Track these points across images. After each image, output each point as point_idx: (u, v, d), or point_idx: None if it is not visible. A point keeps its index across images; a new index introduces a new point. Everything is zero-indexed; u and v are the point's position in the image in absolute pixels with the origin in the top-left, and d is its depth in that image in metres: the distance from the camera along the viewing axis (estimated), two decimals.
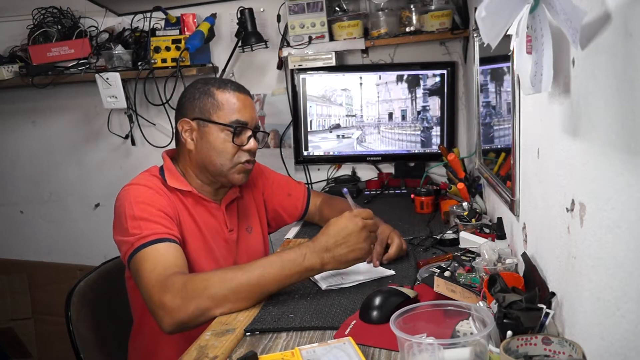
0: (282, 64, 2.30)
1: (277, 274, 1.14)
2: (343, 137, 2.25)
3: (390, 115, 2.22)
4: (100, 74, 2.26)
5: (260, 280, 1.13)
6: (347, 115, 2.24)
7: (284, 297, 1.18)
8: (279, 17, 2.24)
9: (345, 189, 1.39)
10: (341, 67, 2.23)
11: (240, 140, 1.40)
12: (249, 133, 1.42)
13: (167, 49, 2.20)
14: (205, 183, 1.45)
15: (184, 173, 1.44)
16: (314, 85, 2.24)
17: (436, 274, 1.13)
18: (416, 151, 2.21)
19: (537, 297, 0.79)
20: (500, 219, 1.29)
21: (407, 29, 2.10)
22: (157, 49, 2.21)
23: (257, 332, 1.04)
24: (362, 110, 2.23)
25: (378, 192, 2.12)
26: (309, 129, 2.26)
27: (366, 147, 2.25)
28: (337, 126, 2.24)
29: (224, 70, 2.34)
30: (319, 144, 2.26)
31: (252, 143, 1.41)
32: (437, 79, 2.16)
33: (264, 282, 1.13)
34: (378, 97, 2.21)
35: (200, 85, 1.43)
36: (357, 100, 2.23)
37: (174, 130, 1.47)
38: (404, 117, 2.21)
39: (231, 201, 1.51)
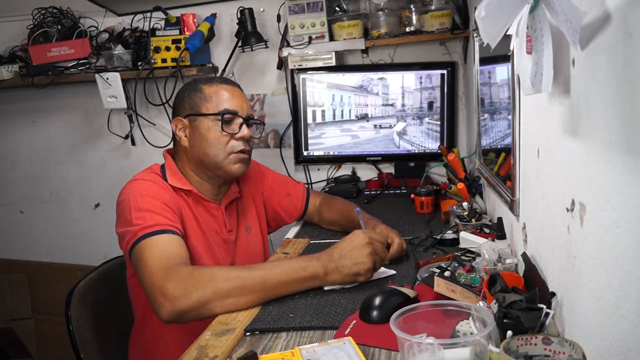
0: (282, 64, 2.30)
1: (280, 276, 1.15)
2: (380, 127, 2.18)
3: (431, 104, 2.11)
4: (100, 74, 2.26)
5: (264, 279, 1.14)
6: (383, 105, 2.18)
7: (284, 297, 1.17)
8: (279, 17, 2.24)
9: (357, 209, 1.42)
10: (341, 67, 2.23)
11: (231, 129, 1.41)
12: (240, 121, 1.42)
13: (167, 49, 2.20)
14: (205, 180, 1.45)
15: (183, 172, 1.44)
16: (350, 77, 2.19)
17: (436, 274, 1.12)
18: (416, 151, 2.21)
19: (537, 297, 0.79)
20: (500, 219, 1.29)
21: (407, 29, 2.10)
22: (157, 49, 2.21)
23: (257, 332, 1.04)
24: (404, 99, 2.12)
25: (378, 192, 2.12)
26: (344, 118, 2.20)
27: (408, 140, 2.17)
28: (365, 115, 2.18)
29: (224, 70, 2.34)
30: (357, 133, 2.20)
31: (244, 130, 1.42)
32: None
33: (268, 281, 1.14)
34: (421, 83, 2.12)
35: (191, 85, 1.46)
36: (394, 89, 2.15)
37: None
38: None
39: (231, 201, 1.51)
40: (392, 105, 2.18)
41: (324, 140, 2.24)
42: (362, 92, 2.18)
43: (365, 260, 1.19)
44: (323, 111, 2.22)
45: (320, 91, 2.21)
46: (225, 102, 1.41)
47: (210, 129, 1.40)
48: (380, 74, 2.17)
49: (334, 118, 2.22)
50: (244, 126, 1.42)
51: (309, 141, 2.25)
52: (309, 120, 2.23)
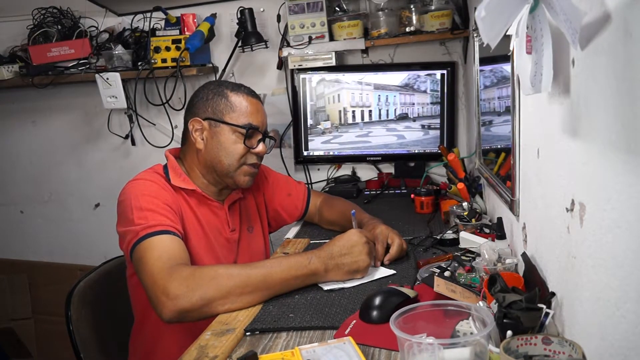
0: (282, 64, 2.30)
1: (282, 274, 1.17)
2: (429, 127, 2.12)
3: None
4: (101, 74, 2.26)
5: (266, 277, 1.15)
6: (431, 103, 2.12)
7: (284, 297, 1.18)
8: (279, 17, 2.24)
9: (353, 211, 1.44)
10: (341, 67, 2.23)
11: (251, 143, 1.42)
12: (259, 137, 1.44)
13: (167, 49, 2.20)
14: (211, 183, 1.46)
15: (188, 172, 1.45)
16: (394, 76, 2.16)
17: (436, 274, 1.12)
18: (416, 151, 2.20)
19: (537, 297, 0.79)
20: (500, 219, 1.29)
21: (407, 29, 2.10)
22: (157, 49, 2.21)
23: (257, 332, 1.05)
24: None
25: (378, 192, 2.12)
26: (388, 118, 2.15)
27: None
28: (405, 115, 2.12)
29: (224, 70, 2.34)
30: (403, 133, 2.17)
31: (261, 146, 1.44)
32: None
33: (269, 279, 1.15)
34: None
35: (214, 87, 1.45)
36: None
37: (183, 129, 1.48)
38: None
39: (234, 201, 1.52)
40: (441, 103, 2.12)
41: (371, 139, 2.22)
42: (408, 91, 2.13)
43: (364, 257, 1.24)
44: (370, 111, 2.20)
45: (368, 93, 2.20)
46: (250, 116, 1.42)
47: (230, 138, 1.40)
48: (427, 71, 2.12)
49: (380, 118, 2.19)
50: (262, 143, 1.44)
51: (357, 139, 2.23)
52: (357, 119, 2.22)
